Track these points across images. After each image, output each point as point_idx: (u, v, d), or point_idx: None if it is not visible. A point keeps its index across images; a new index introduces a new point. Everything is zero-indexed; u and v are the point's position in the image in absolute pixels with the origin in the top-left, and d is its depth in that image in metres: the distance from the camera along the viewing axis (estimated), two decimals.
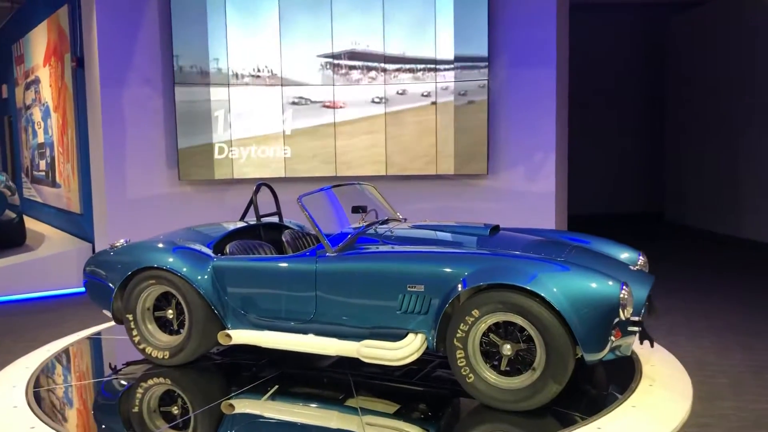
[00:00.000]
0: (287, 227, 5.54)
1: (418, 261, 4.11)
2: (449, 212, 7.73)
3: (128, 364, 5.01)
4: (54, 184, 9.57)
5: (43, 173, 10.08)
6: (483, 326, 3.81)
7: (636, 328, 3.80)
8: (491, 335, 3.83)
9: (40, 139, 10.08)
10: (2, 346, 5.60)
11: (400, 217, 5.19)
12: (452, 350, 3.86)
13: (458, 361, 3.85)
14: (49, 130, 9.55)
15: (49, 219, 10.22)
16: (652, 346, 3.99)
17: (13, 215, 8.51)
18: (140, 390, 4.48)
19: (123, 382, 4.71)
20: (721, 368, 4.71)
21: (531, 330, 3.69)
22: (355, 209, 4.96)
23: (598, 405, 3.97)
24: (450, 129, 7.62)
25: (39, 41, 9.75)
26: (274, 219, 5.71)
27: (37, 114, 10.14)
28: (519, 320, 3.72)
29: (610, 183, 13.80)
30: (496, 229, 4.67)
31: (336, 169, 7.71)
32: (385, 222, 4.95)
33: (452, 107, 7.59)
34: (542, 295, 3.61)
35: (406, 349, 3.99)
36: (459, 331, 3.82)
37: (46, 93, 9.50)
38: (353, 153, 7.72)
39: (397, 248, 4.37)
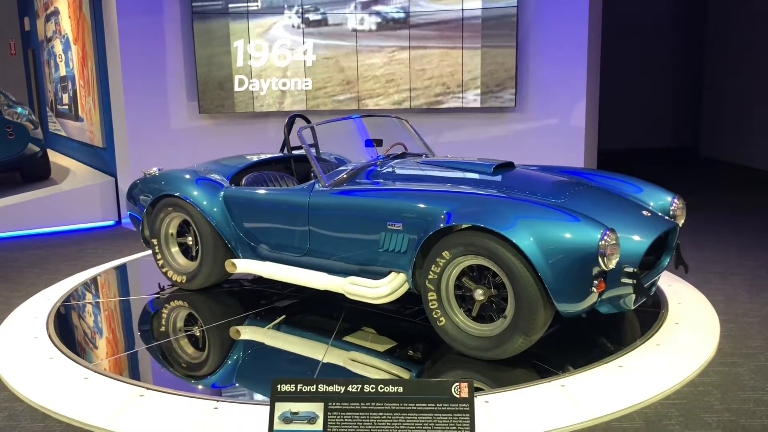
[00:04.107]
0: (321, 159, 5.42)
1: (398, 199, 3.93)
2: (476, 146, 7.53)
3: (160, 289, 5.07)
4: (77, 117, 9.53)
5: (67, 107, 10.04)
6: (456, 269, 3.63)
7: (630, 281, 3.49)
8: (464, 279, 3.65)
9: (62, 72, 9.99)
10: (26, 279, 5.66)
11: (423, 152, 5.01)
12: (424, 292, 3.72)
13: (430, 303, 3.70)
14: (70, 63, 9.45)
15: (73, 153, 10.24)
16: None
17: (37, 149, 8.51)
18: (164, 310, 4.78)
19: (142, 306, 4.94)
20: (751, 307, 4.56)
21: (502, 276, 3.46)
22: (368, 143, 4.82)
23: (621, 343, 3.87)
24: (477, 60, 7.34)
25: None
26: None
27: (58, 46, 10.03)
28: (491, 265, 3.49)
29: (643, 117, 13.39)
30: (508, 166, 4.41)
31: (358, 102, 7.51)
32: (400, 156, 4.77)
33: (479, 35, 7.28)
34: (509, 238, 3.35)
35: (385, 288, 3.90)
36: (431, 272, 3.65)
37: (66, 24, 9.36)
38: (376, 83, 7.50)
39: (387, 185, 4.19)
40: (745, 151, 10.91)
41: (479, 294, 3.59)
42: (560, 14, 7.32)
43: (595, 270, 3.36)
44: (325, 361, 3.77)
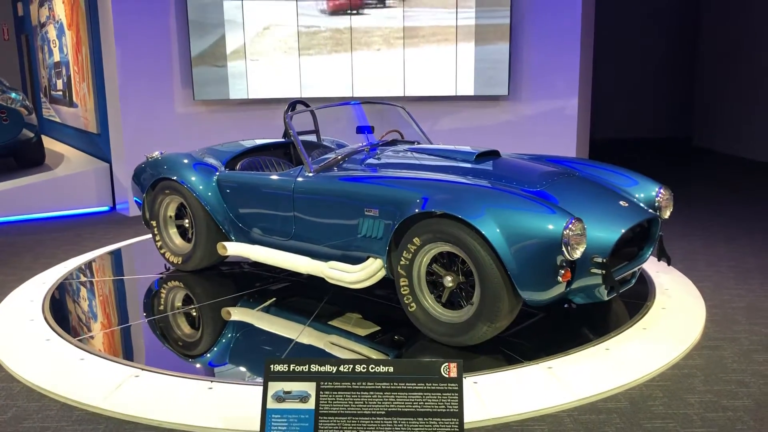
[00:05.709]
0: (320, 145, 5.47)
1: (374, 185, 3.98)
2: (470, 134, 7.58)
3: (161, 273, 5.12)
4: (71, 103, 9.52)
5: (61, 93, 10.03)
6: (428, 256, 3.67)
7: (599, 271, 3.44)
8: (434, 266, 3.68)
9: (56, 57, 9.97)
10: (21, 263, 5.69)
11: (416, 140, 5.04)
12: (397, 278, 3.76)
13: (402, 289, 3.75)
14: (64, 49, 9.43)
15: (68, 139, 10.23)
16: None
17: (31, 135, 8.51)
18: (162, 291, 4.91)
19: (137, 288, 5.06)
20: (738, 293, 4.63)
21: (469, 263, 3.47)
22: (360, 130, 4.87)
23: (607, 327, 3.94)
24: (470, 48, 7.37)
25: None
26: (312, 137, 5.64)
27: (51, 32, 10.00)
28: (459, 252, 3.51)
29: (637, 106, 13.45)
30: (493, 154, 4.40)
31: (353, 89, 7.54)
32: (391, 144, 4.80)
33: (473, 24, 7.31)
34: (475, 226, 3.35)
35: (361, 273, 3.97)
36: (403, 258, 3.70)
37: (60, 10, 9.34)
38: (370, 70, 7.53)
39: (368, 172, 4.22)
40: (739, 142, 10.97)
41: (448, 281, 3.63)
42: (554, 5, 7.35)
43: (560, 259, 3.34)
44: (298, 341, 3.86)
